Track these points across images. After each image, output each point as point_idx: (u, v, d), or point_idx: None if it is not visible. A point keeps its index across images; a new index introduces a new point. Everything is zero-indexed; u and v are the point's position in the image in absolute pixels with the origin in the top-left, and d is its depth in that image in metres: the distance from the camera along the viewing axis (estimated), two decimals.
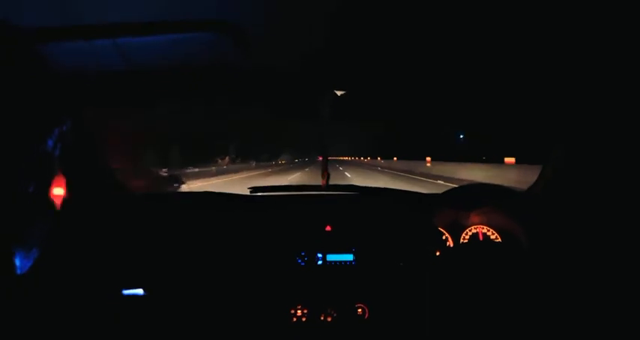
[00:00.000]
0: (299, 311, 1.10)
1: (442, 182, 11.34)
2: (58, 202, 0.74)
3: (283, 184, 1.59)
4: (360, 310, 1.10)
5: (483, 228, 1.26)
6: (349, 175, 16.39)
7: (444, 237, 1.26)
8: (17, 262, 0.47)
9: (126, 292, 1.07)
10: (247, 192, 1.41)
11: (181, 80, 1.14)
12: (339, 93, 1.45)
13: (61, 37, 0.73)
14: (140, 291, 1.07)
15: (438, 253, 1.19)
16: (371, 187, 1.38)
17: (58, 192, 0.73)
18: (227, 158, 23.11)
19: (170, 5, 0.64)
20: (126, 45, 0.82)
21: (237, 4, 0.63)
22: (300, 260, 1.19)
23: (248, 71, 1.07)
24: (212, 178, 14.44)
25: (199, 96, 1.28)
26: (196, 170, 15.44)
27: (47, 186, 0.59)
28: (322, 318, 1.09)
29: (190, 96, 1.29)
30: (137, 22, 0.70)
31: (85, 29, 0.71)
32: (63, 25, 0.68)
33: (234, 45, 0.83)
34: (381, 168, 25.94)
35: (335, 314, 1.10)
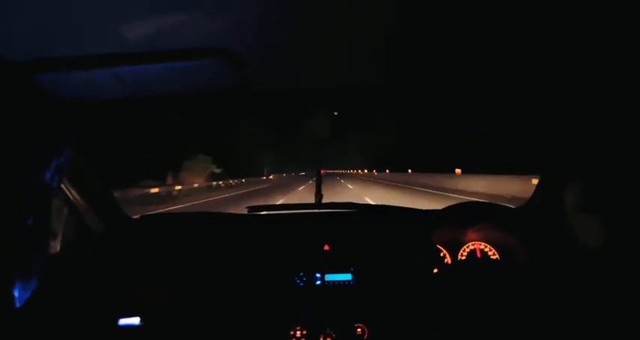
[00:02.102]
0: (298, 332, 1.08)
1: None
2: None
3: (280, 203, 1.58)
4: (359, 330, 1.09)
5: (481, 245, 1.26)
6: None
7: (442, 254, 1.26)
8: (16, 294, 0.47)
9: (122, 322, 1.06)
10: (245, 212, 1.43)
11: (181, 105, 1.17)
12: (336, 113, 1.48)
13: (60, 67, 0.75)
14: (137, 320, 1.07)
15: (435, 270, 1.19)
16: (369, 204, 1.39)
17: None
18: None
19: (167, 35, 0.67)
20: (125, 74, 0.85)
21: (232, 32, 0.66)
22: (298, 281, 1.19)
23: (246, 94, 1.10)
24: None
25: (200, 120, 1.31)
26: None
27: (45, 218, 0.60)
28: (321, 339, 1.08)
29: (190, 120, 1.32)
30: (136, 51, 0.73)
31: (83, 59, 0.74)
32: (61, 55, 0.71)
33: (231, 70, 0.86)
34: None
35: (334, 335, 1.09)
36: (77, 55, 0.71)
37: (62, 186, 1.04)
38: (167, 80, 0.92)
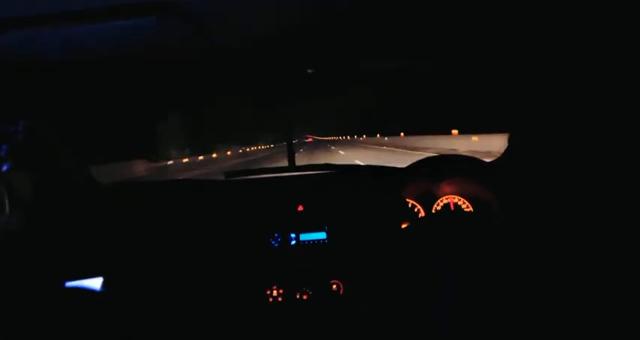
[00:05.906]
0: (275, 292, 1.12)
1: None
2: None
3: (256, 168, 1.57)
4: (334, 286, 1.13)
5: (454, 198, 1.27)
6: None
7: (415, 209, 1.27)
8: None
9: (71, 283, 1.07)
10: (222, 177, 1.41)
11: (135, 68, 1.10)
12: (309, 71, 1.41)
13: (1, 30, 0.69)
14: (100, 284, 1.08)
15: (407, 225, 1.20)
16: (341, 165, 1.37)
17: None
18: None
19: None
20: (71, 34, 0.78)
21: None
22: (273, 242, 1.21)
23: (206, 54, 1.03)
24: None
25: (155, 84, 1.24)
26: None
27: None
28: (298, 297, 1.12)
29: (145, 84, 1.25)
30: (81, 9, 0.66)
31: (25, 19, 0.67)
32: (1, 16, 0.64)
33: (188, 27, 0.79)
34: None
35: (310, 292, 1.12)
36: (19, 15, 0.65)
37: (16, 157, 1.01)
38: (117, 40, 0.85)
